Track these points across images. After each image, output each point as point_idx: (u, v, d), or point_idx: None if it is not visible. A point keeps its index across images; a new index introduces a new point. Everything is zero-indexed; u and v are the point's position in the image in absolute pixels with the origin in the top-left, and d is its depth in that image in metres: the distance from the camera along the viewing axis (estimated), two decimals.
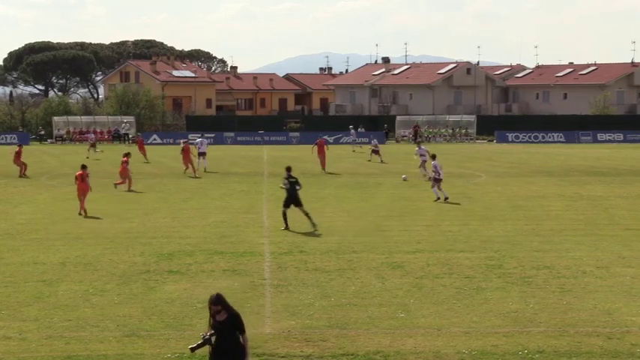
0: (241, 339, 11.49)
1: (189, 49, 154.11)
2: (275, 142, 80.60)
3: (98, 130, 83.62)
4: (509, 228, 27.76)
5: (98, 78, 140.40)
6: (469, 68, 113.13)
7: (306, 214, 27.37)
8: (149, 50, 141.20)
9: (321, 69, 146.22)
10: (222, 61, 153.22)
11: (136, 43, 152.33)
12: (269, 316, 16.75)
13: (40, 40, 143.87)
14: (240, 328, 11.48)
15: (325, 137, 54.90)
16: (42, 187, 40.04)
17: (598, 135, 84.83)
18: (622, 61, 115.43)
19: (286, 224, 27.24)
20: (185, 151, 46.99)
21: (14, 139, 76.90)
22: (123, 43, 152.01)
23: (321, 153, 48.98)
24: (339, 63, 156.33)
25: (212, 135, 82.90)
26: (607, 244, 24.62)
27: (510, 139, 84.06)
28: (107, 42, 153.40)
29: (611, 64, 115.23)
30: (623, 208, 33.13)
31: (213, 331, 11.43)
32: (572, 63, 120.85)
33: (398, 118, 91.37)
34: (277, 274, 20.52)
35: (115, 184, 38.88)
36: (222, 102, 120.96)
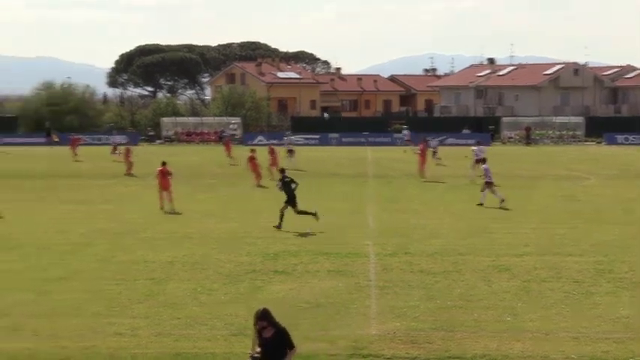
0: (288, 354, 11.14)
1: (294, 50, 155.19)
2: (379, 144, 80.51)
3: (205, 131, 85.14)
4: (620, 231, 27.12)
5: (205, 79, 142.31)
6: (577, 69, 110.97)
7: (299, 213, 27.83)
8: (254, 52, 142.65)
9: (425, 70, 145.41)
10: (326, 63, 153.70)
11: (241, 45, 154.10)
12: (374, 318, 16.73)
13: (150, 43, 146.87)
14: (289, 344, 11.15)
15: (429, 138, 54.18)
16: (149, 187, 40.84)
17: None
18: None
19: (280, 222, 27.53)
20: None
21: (123, 139, 79.54)
22: (229, 45, 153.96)
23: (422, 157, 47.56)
24: (443, 64, 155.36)
25: (317, 136, 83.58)
26: None
27: (620, 141, 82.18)
28: (214, 44, 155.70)
29: None
30: None
31: (260, 349, 11.22)
32: None
33: (503, 119, 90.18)
34: (382, 276, 20.49)
35: (257, 184, 41.25)
36: (327, 103, 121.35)
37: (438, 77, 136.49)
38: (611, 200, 35.63)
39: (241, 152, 54.97)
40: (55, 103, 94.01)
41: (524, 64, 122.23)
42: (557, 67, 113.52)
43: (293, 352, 11.18)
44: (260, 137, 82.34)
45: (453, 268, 21.29)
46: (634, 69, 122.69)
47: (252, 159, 42.63)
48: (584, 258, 22.59)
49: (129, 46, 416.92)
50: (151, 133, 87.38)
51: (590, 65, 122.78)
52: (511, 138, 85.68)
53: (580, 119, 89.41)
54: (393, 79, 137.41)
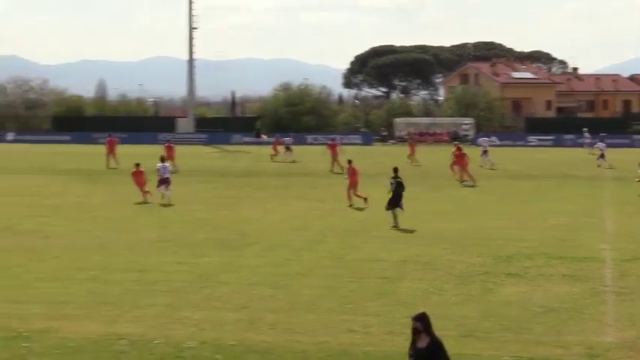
0: None
1: (529, 50, 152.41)
2: (617, 145, 77.54)
3: (438, 132, 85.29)
4: None
5: (438, 80, 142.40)
6: None
7: (395, 216, 28.32)
8: (489, 52, 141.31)
9: None
10: (563, 62, 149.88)
11: (476, 45, 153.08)
12: (611, 325, 16.21)
13: (384, 44, 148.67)
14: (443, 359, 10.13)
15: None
16: (380, 187, 41.30)
17: None
18: None
19: (396, 222, 28.22)
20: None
21: (358, 139, 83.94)
22: (463, 46, 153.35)
23: None
24: None
25: (552, 137, 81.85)
26: None
27: None
28: (448, 44, 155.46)
29: None
30: None
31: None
32: None
33: None
34: (619, 282, 19.82)
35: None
36: (563, 104, 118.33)
37: None
38: None
39: (472, 153, 54.58)
40: (292, 104, 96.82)
41: None
42: None
43: None
44: (493, 137, 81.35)
45: None
46: None
47: (459, 156, 44.25)
48: None
49: (363, 48, 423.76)
50: (384, 134, 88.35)
51: None
52: None
53: None
54: (633, 78, 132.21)
